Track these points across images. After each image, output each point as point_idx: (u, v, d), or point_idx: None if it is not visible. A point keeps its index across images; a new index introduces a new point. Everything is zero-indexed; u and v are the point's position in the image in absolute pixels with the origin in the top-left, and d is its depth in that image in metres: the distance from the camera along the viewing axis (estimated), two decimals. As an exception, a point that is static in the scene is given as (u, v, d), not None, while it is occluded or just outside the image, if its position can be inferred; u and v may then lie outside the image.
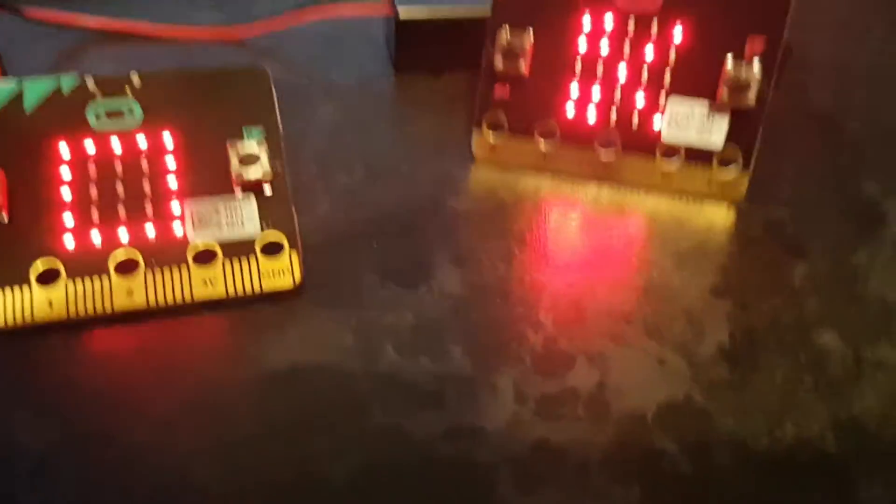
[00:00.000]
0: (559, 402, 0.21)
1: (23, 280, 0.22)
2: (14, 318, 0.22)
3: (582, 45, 0.27)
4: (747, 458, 0.20)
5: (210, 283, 0.23)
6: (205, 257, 0.23)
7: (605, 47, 0.27)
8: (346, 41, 0.36)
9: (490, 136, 0.29)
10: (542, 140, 0.28)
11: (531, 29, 0.27)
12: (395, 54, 0.33)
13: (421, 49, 0.33)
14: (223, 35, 0.35)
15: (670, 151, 0.27)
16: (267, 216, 0.24)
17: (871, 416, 0.21)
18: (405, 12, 0.32)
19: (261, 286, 0.23)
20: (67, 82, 0.24)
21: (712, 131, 0.27)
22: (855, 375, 0.22)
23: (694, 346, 0.22)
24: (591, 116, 0.28)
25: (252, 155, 0.24)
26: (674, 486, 0.19)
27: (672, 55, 0.27)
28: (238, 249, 0.23)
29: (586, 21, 0.27)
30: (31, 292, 0.22)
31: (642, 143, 0.28)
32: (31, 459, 0.19)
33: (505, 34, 0.27)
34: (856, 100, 0.34)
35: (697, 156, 0.27)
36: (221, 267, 0.23)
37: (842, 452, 0.20)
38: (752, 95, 0.26)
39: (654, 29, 0.26)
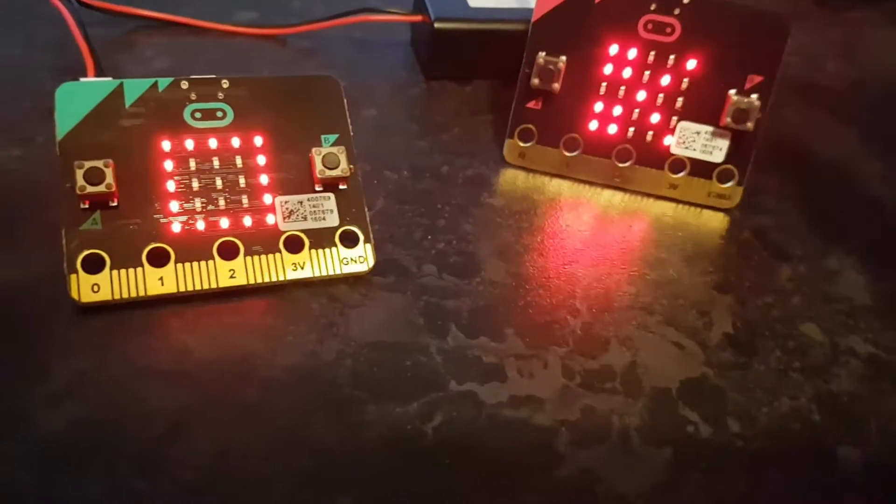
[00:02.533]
0: (600, 377, 0.25)
1: (136, 262, 0.25)
2: (129, 293, 0.25)
3: (607, 69, 0.31)
4: (752, 425, 0.25)
5: (299, 266, 0.26)
6: (294, 244, 0.27)
7: (627, 73, 0.31)
8: (375, 44, 0.39)
9: (521, 145, 0.33)
10: (566, 150, 0.32)
11: (564, 56, 0.31)
12: (426, 62, 0.37)
13: (450, 57, 0.37)
14: (265, 33, 0.38)
15: (677, 165, 0.32)
16: (344, 211, 0.27)
17: (844, 393, 0.26)
18: (440, 24, 0.36)
19: (341, 270, 0.27)
20: (163, 82, 0.27)
21: (714, 150, 0.32)
22: (831, 360, 0.27)
23: (705, 333, 0.27)
24: (611, 131, 0.32)
25: (333, 158, 0.27)
26: (697, 449, 0.24)
27: (684, 84, 0.31)
28: (321, 238, 0.27)
29: (613, 50, 0.31)
30: (143, 272, 0.25)
31: (654, 156, 0.32)
32: (164, 418, 0.22)
33: (542, 59, 0.31)
34: (819, 122, 0.39)
35: (700, 170, 0.32)
36: (308, 253, 0.27)
37: (823, 421, 0.25)
38: (750, 123, 0.31)
39: (671, 61, 0.31)
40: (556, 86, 0.31)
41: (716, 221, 0.32)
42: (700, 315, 0.28)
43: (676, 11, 0.30)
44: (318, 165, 0.27)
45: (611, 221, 0.31)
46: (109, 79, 0.27)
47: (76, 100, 0.26)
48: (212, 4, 0.39)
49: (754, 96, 0.31)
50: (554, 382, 0.25)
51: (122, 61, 0.35)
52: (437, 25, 0.36)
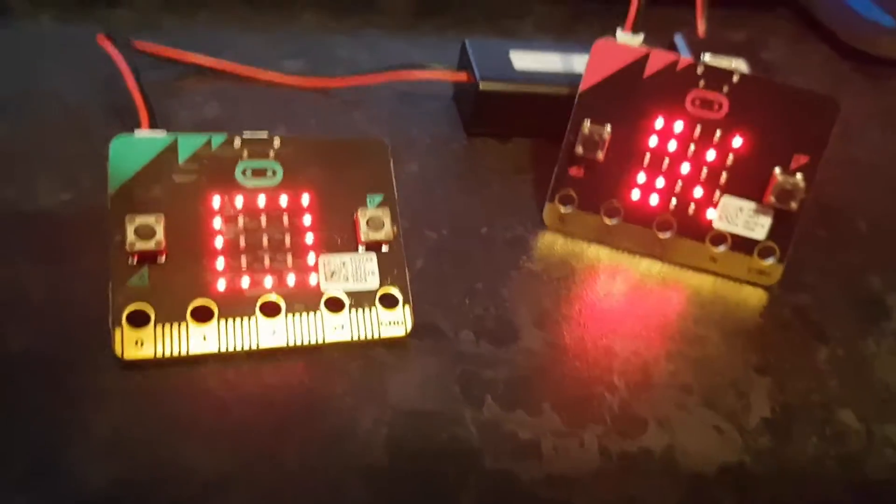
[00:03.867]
0: (637, 459, 0.25)
1: (180, 317, 0.25)
2: (172, 351, 0.25)
3: (652, 141, 0.31)
4: (789, 516, 0.24)
5: (339, 328, 0.26)
6: (334, 305, 0.27)
7: (672, 146, 0.31)
8: (418, 97, 0.40)
9: (561, 209, 0.33)
10: (607, 217, 0.32)
11: (609, 126, 0.31)
12: (469, 120, 0.37)
13: (494, 117, 0.37)
14: (312, 84, 0.38)
15: (719, 239, 0.32)
16: (385, 272, 0.28)
17: (881, 484, 0.26)
18: (485, 84, 0.36)
19: (380, 333, 0.27)
20: (217, 139, 0.27)
21: (757, 227, 0.31)
22: (867, 449, 0.27)
23: (743, 417, 0.27)
24: (653, 202, 0.32)
25: (378, 220, 0.27)
26: (733, 537, 0.24)
27: (729, 160, 0.31)
28: (361, 300, 0.27)
29: (659, 123, 0.31)
30: (187, 328, 0.25)
31: (695, 229, 0.32)
32: (200, 482, 0.22)
33: (587, 128, 0.31)
34: (861, 197, 0.39)
35: (741, 245, 0.32)
36: (348, 314, 0.27)
37: (859, 515, 0.25)
38: (794, 202, 0.30)
39: (717, 137, 0.31)
40: (600, 154, 0.31)
41: (755, 298, 0.32)
42: (739, 397, 0.28)
43: (725, 89, 0.31)
44: (363, 227, 0.27)
45: (649, 292, 0.31)
46: (164, 133, 0.27)
47: (130, 153, 0.27)
48: (257, 50, 0.40)
49: (799, 176, 0.30)
50: (590, 463, 0.25)
51: (173, 107, 0.35)
52: (482, 87, 0.36)
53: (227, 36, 0.41)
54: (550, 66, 0.38)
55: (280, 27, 0.43)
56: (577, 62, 0.38)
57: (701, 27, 0.34)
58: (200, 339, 0.25)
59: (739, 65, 0.31)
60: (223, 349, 0.25)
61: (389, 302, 0.27)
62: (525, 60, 0.38)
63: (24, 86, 0.35)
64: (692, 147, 0.31)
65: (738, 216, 0.32)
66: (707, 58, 0.31)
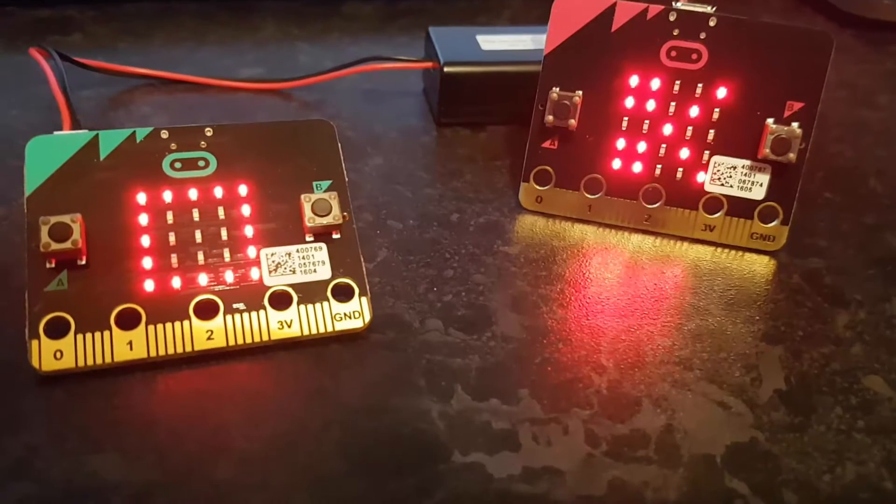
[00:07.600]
0: (630, 443, 0.22)
1: (103, 324, 0.23)
2: (94, 360, 0.22)
3: (629, 102, 0.29)
4: (813, 497, 0.21)
5: (286, 324, 0.24)
6: (280, 300, 0.24)
7: (651, 106, 0.28)
8: (384, 94, 0.37)
9: (538, 188, 0.30)
10: (588, 192, 0.29)
11: (580, 91, 0.28)
12: (438, 108, 0.35)
13: (463, 102, 0.35)
14: (268, 87, 0.36)
15: (713, 204, 0.29)
16: (337, 262, 0.25)
17: (923, 458, 0.22)
18: (450, 67, 0.34)
19: (333, 327, 0.24)
20: (142, 132, 0.25)
21: (754, 186, 0.28)
22: (903, 418, 0.23)
23: (753, 391, 0.23)
24: (637, 170, 0.29)
25: (324, 205, 0.25)
26: (748, 525, 0.20)
27: (715, 115, 0.28)
28: (311, 293, 0.24)
29: (634, 81, 0.28)
30: (111, 335, 0.22)
31: (686, 196, 0.29)
32: (123, 497, 0.19)
33: (556, 94, 0.28)
34: (873, 157, 0.36)
35: (739, 209, 0.29)
36: (296, 310, 0.24)
37: (899, 491, 0.21)
38: (792, 154, 0.27)
39: (699, 91, 0.28)
40: (573, 122, 0.28)
41: (760, 265, 0.28)
42: (746, 370, 0.24)
43: (702, 35, 0.28)
44: (308, 213, 0.25)
45: (640, 268, 0.28)
46: (85, 131, 0.25)
47: (48, 154, 0.24)
48: (214, 62, 0.38)
49: (795, 124, 0.27)
50: (576, 451, 0.21)
51: (118, 119, 0.33)
52: (446, 70, 0.34)
53: (183, 52, 0.39)
54: (520, 46, 0.35)
55: (239, 39, 0.41)
56: (547, 37, 0.35)
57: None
58: (126, 346, 0.22)
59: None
60: (152, 355, 0.22)
61: (343, 293, 0.25)
62: (493, 43, 0.36)
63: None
64: (673, 105, 0.28)
65: (731, 176, 0.28)
66: (679, 4, 0.28)
